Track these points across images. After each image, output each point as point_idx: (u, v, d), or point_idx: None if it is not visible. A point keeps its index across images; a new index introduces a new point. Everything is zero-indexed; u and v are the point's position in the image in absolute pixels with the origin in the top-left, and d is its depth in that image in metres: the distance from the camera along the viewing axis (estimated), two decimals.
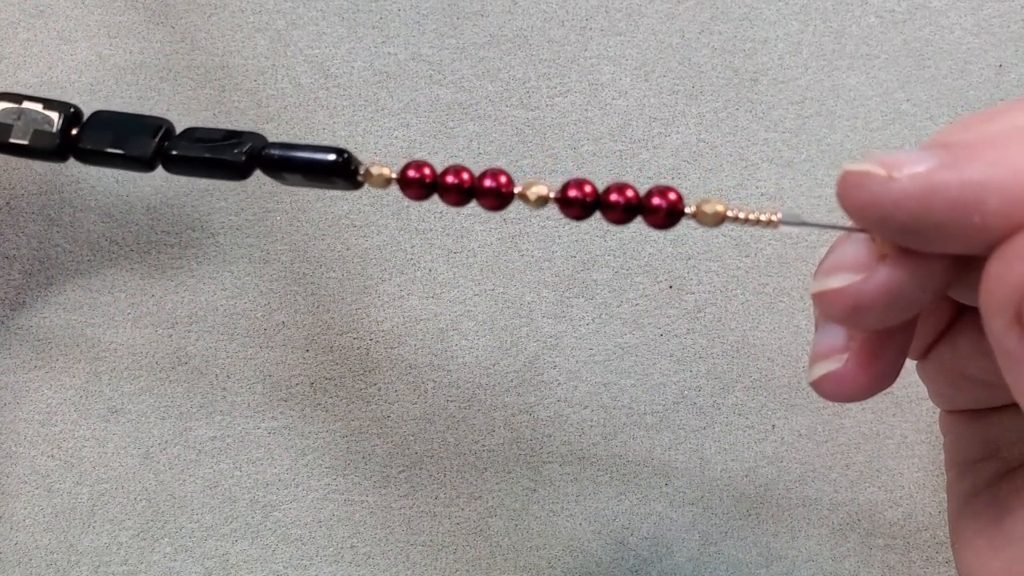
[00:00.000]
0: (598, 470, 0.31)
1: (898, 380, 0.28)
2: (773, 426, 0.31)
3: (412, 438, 0.31)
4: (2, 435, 0.30)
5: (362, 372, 0.31)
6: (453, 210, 0.31)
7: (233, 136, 0.21)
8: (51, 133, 0.21)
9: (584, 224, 0.31)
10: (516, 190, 0.20)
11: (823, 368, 0.20)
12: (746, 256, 0.31)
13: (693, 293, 0.31)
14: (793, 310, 0.31)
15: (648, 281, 0.31)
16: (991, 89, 0.31)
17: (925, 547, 0.31)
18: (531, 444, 0.31)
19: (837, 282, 0.18)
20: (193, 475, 0.31)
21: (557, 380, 0.31)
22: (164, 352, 0.30)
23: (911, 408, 0.30)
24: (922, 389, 0.31)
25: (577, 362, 0.31)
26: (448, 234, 0.31)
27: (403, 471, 0.31)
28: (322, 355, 0.31)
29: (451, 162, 0.25)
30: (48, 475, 0.30)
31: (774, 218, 0.19)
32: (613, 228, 0.31)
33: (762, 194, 0.31)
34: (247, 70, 0.31)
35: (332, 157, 0.20)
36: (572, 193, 0.19)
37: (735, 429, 0.31)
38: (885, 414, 0.30)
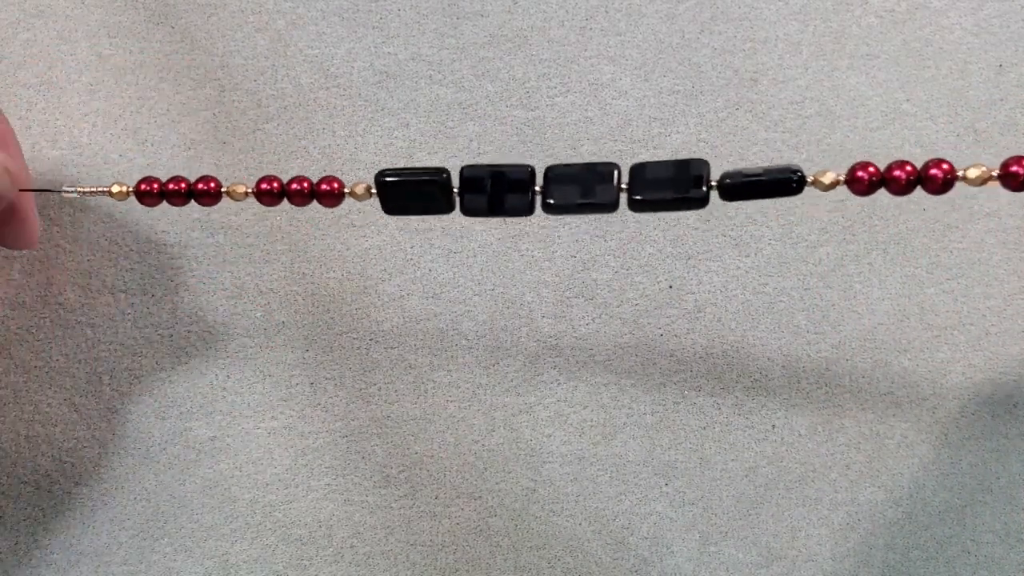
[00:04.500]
0: (598, 470, 0.31)
1: (898, 380, 0.28)
2: (773, 426, 0.31)
3: (412, 438, 0.31)
4: (3, 435, 0.30)
5: (362, 372, 0.31)
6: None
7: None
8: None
9: (584, 224, 0.31)
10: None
11: None
12: (746, 256, 0.31)
13: (693, 293, 0.31)
14: (793, 310, 0.31)
15: (648, 281, 0.31)
16: (991, 89, 0.31)
17: (925, 547, 0.31)
18: (531, 444, 0.31)
19: None
20: (193, 475, 0.31)
21: (557, 380, 0.31)
22: (164, 352, 0.30)
23: (911, 408, 0.30)
24: (922, 389, 0.31)
25: (577, 362, 0.31)
26: (448, 234, 0.31)
27: (403, 471, 0.31)
28: (322, 355, 0.31)
29: (450, 162, 0.25)
30: (48, 475, 0.30)
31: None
32: (613, 228, 0.31)
33: None
34: (247, 70, 0.31)
35: (791, 176, 0.22)
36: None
37: (735, 429, 0.31)
38: (885, 414, 0.30)
